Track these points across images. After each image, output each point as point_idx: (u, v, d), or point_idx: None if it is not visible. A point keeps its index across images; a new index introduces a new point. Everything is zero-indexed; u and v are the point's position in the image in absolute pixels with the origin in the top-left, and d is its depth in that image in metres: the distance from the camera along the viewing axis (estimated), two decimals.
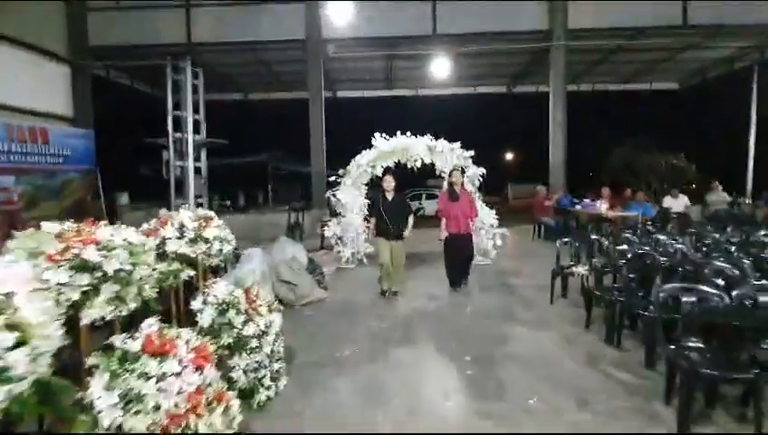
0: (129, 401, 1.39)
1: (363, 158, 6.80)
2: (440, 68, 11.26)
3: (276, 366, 2.80)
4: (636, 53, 12.21)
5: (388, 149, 6.80)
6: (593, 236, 5.20)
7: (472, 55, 11.93)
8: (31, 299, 1.31)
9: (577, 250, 5.13)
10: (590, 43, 10.66)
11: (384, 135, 6.85)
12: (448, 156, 6.88)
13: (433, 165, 7.19)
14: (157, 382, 1.44)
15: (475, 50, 11.31)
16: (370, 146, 6.88)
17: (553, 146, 10.81)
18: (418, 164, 6.97)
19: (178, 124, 11.96)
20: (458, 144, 6.86)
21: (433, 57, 11.18)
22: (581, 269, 4.71)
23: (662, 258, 3.91)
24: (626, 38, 10.73)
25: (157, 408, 1.42)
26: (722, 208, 10.30)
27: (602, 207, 8.32)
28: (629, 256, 4.24)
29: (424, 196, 20.43)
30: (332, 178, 7.14)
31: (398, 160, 7.06)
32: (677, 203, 10.10)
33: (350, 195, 6.74)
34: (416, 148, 6.84)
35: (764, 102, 12.79)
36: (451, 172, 5.50)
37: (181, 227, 2.98)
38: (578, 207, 9.08)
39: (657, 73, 14.27)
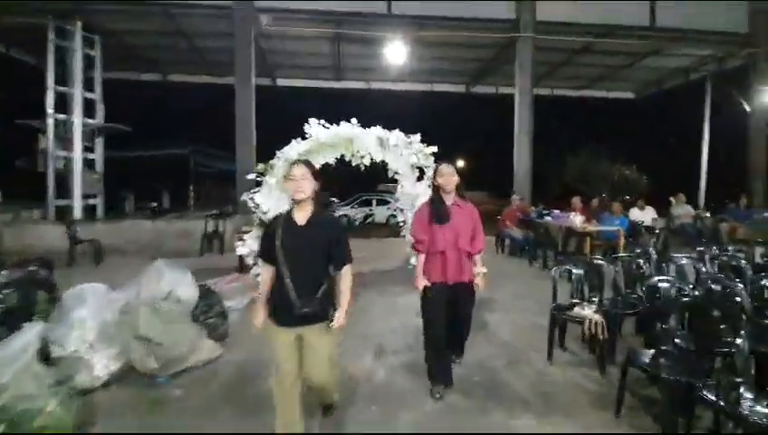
0: None
1: (292, 149, 5.06)
2: (395, 54, 9.78)
3: None
4: (599, 56, 11.57)
5: (326, 139, 5.13)
6: (599, 262, 3.86)
7: (430, 44, 10.60)
8: None
9: (580, 282, 3.76)
10: (559, 38, 9.72)
11: (323, 123, 5.19)
12: (404, 152, 5.34)
13: (385, 165, 5.64)
14: None
15: (435, 37, 9.97)
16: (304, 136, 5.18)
17: (519, 151, 9.72)
18: (366, 161, 5.37)
19: (64, 103, 9.45)
20: (418, 137, 5.35)
21: (387, 42, 9.66)
22: (590, 312, 3.33)
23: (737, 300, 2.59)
24: (595, 36, 9.93)
25: None
26: (687, 222, 9.77)
27: (576, 219, 7.22)
28: (672, 294, 2.92)
29: (374, 202, 18.95)
30: (252, 176, 5.30)
31: (342, 156, 5.42)
32: (646, 215, 9.40)
33: (274, 199, 4.96)
34: (363, 140, 5.24)
35: (717, 115, 12.76)
36: (438, 168, 2.86)
37: None
38: (548, 218, 7.96)
39: (615, 81, 13.89)
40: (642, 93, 14.78)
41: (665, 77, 13.47)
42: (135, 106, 15.13)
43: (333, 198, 25.98)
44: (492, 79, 13.32)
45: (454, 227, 2.76)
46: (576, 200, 8.12)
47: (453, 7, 9.31)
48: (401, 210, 6.43)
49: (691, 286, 3.24)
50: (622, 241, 6.85)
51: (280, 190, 5.03)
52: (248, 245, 5.15)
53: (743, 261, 4.04)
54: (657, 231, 7.99)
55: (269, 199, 4.95)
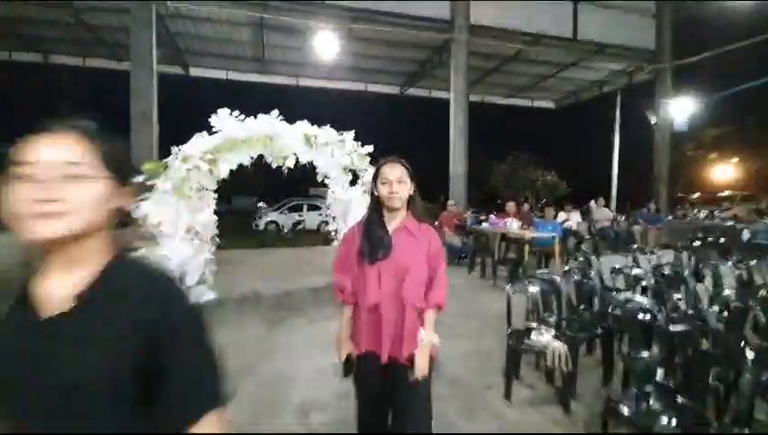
0: None
1: (195, 146, 4.07)
2: (325, 46, 9.01)
3: None
4: (526, 65, 11.89)
5: (240, 134, 4.21)
6: (555, 277, 3.47)
7: (364, 40, 10.01)
8: None
9: (536, 301, 3.32)
10: (493, 43, 9.68)
11: (236, 115, 4.27)
12: (335, 152, 4.61)
13: (313, 167, 4.87)
14: None
15: (368, 32, 9.41)
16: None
17: (454, 155, 9.48)
18: (290, 163, 4.55)
19: None
20: (351, 135, 4.66)
21: (316, 33, 8.86)
22: (549, 338, 2.89)
23: None
24: (525, 43, 10.07)
25: None
26: (606, 226, 10.29)
27: (513, 225, 7.07)
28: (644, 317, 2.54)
29: (305, 207, 17.92)
30: (139, 179, 4.19)
31: (260, 156, 4.53)
32: (572, 220, 9.68)
33: (167, 207, 3.91)
34: (286, 137, 4.41)
35: (627, 126, 13.85)
36: (380, 170, 1.71)
37: None
38: (485, 225, 7.74)
39: (539, 91, 14.52)
40: (561, 104, 15.68)
41: (582, 89, 14.37)
42: (10, 91, 12.51)
43: (260, 204, 24.35)
44: (426, 82, 13.11)
45: (398, 266, 1.64)
46: (511, 205, 8.02)
47: (388, 3, 8.81)
48: (333, 218, 5.70)
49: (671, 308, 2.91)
50: (558, 247, 6.81)
51: (178, 197, 4.01)
52: None
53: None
54: (588, 236, 8.14)
55: (161, 208, 3.89)
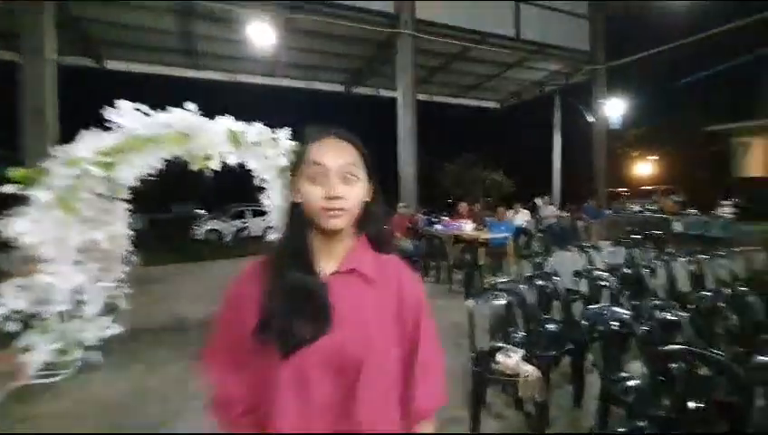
0: None
1: (83, 147, 3.26)
2: (261, 38, 8.25)
3: None
4: (472, 64, 11.86)
5: (145, 132, 3.46)
6: (522, 287, 3.11)
7: (305, 33, 9.37)
8: None
9: (502, 316, 2.95)
10: (439, 40, 9.44)
11: (140, 108, 3.51)
12: (269, 153, 3.99)
13: (246, 170, 4.21)
14: None
15: (309, 24, 8.78)
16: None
17: (403, 154, 9.11)
18: (215, 165, 3.85)
19: None
20: (286, 132, 4.06)
21: (252, 22, 8.09)
22: (517, 360, 2.51)
23: None
24: (471, 41, 9.96)
25: None
26: (552, 223, 10.47)
27: (467, 227, 6.82)
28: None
29: (250, 213, 16.83)
30: (10, 189, 3.28)
31: (178, 157, 3.80)
32: (521, 218, 9.71)
33: (49, 224, 3.08)
34: (207, 134, 3.72)
35: (567, 125, 14.37)
36: (306, 148, 0.84)
37: None
38: (438, 227, 7.44)
39: (484, 90, 14.66)
40: (505, 104, 15.99)
41: (524, 89, 14.71)
42: None
43: (200, 210, 22.59)
44: (373, 80, 12.69)
45: (343, 354, 0.80)
46: (464, 206, 7.81)
47: None
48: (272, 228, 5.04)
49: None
50: (511, 247, 6.65)
51: (64, 210, 3.19)
52: (7, 298, 3.15)
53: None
54: (541, 234, 8.13)
55: (38, 227, 3.04)
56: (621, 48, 11.49)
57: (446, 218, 7.95)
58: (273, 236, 5.79)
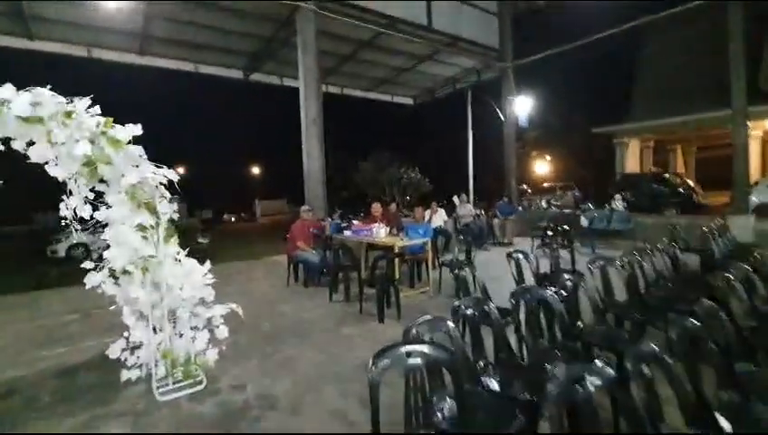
0: None
1: None
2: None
3: None
4: (383, 55, 11.07)
5: None
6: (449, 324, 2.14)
7: (188, 6, 7.64)
8: None
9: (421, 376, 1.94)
10: (344, 20, 8.37)
11: None
12: (61, 134, 2.52)
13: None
14: None
15: None
16: None
17: (308, 148, 7.90)
18: None
19: None
20: (86, 102, 2.61)
21: None
22: None
23: None
24: (380, 25, 9.09)
25: None
26: (470, 222, 10.11)
27: (380, 232, 5.86)
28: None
29: None
30: None
31: None
32: (438, 218, 9.14)
33: None
34: None
35: (481, 123, 14.36)
36: None
37: None
38: (347, 233, 6.37)
39: (397, 85, 14.04)
40: (419, 100, 15.60)
41: (437, 85, 14.40)
42: None
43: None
44: (275, 67, 11.22)
45: None
46: (376, 207, 6.85)
47: None
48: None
49: None
50: (430, 254, 5.86)
51: None
52: None
53: None
54: (458, 234, 7.50)
55: None
56: (524, 49, 11.63)
57: (356, 223, 6.93)
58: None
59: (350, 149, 17.59)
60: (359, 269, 5.82)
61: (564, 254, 8.48)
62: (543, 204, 12.79)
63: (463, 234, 9.75)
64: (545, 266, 4.92)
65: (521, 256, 4.36)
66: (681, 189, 14.22)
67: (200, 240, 11.31)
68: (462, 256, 6.04)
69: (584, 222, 9.72)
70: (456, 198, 10.94)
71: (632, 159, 20.38)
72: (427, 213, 8.87)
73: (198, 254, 9.07)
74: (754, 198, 12.19)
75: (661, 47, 19.86)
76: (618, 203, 10.63)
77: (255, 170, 42.30)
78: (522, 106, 12.09)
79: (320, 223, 6.87)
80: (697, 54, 17.61)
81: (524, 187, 22.75)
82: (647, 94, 19.95)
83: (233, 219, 32.85)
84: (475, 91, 14.06)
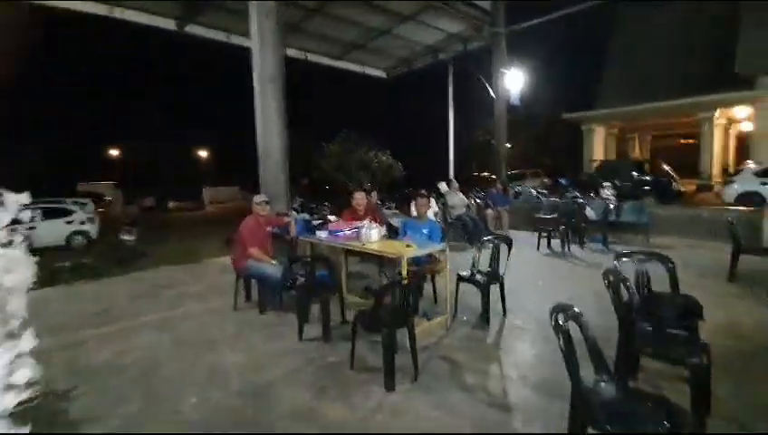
0: None
1: None
2: None
3: None
4: (359, 10, 9.06)
5: None
6: None
7: None
8: None
9: None
10: None
11: None
12: None
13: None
14: None
15: None
16: None
17: (263, 120, 5.85)
18: None
19: None
20: None
21: None
22: None
23: None
24: None
25: None
26: (462, 214, 8.53)
27: (372, 233, 4.05)
28: None
29: (36, 214, 11.32)
30: None
31: None
32: (458, 200, 7.51)
33: None
34: None
35: (464, 99, 12.74)
36: None
37: None
38: (322, 235, 4.49)
39: (370, 53, 12.06)
40: (394, 73, 13.71)
41: (415, 55, 12.57)
42: None
43: None
44: (217, 18, 8.88)
45: None
46: (361, 197, 5.01)
47: None
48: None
49: None
50: (442, 265, 4.16)
51: None
52: None
53: None
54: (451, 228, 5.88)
55: None
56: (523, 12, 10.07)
57: (333, 219, 5.06)
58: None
59: (314, 128, 15.40)
60: (340, 289, 4.01)
61: (580, 252, 7.28)
62: (533, 192, 11.53)
63: (454, 228, 8.20)
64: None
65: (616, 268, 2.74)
66: (661, 177, 13.63)
67: (124, 237, 8.90)
68: (478, 261, 4.35)
69: (591, 214, 8.44)
70: (442, 185, 9.31)
71: (599, 146, 20.06)
72: (449, 195, 7.20)
73: (122, 254, 6.50)
74: (737, 187, 11.69)
75: (636, 32, 19.44)
76: (607, 191, 9.47)
77: (203, 153, 38.54)
78: (514, 81, 10.59)
79: (281, 219, 4.93)
80: (669, 41, 17.30)
81: (483, 173, 21.73)
82: (620, 79, 19.51)
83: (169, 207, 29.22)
84: (458, 64, 12.41)
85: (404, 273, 3.30)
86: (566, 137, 22.44)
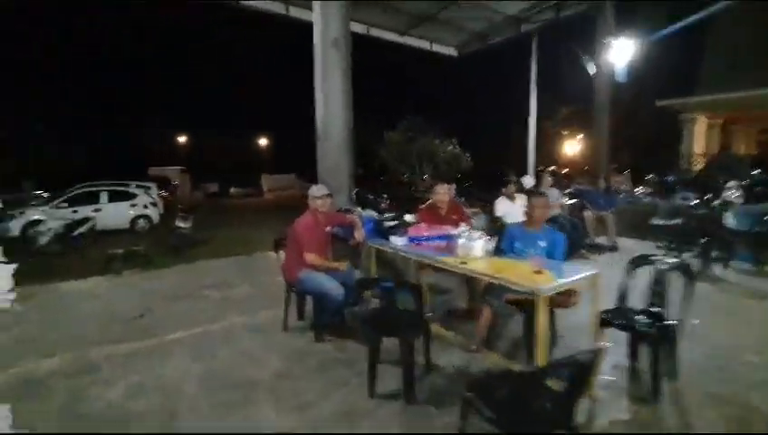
0: None
1: None
2: None
3: None
4: None
5: None
6: None
7: None
8: None
9: None
10: None
11: None
12: None
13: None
14: None
15: None
16: None
17: (325, 91, 4.81)
18: None
19: None
20: None
21: None
22: None
23: None
24: None
25: None
26: (557, 213, 6.98)
27: (476, 245, 2.84)
28: None
29: (105, 196, 11.53)
30: None
31: None
32: (517, 208, 6.14)
33: None
34: None
35: (549, 78, 10.96)
36: None
37: None
38: (398, 241, 3.34)
39: (439, 26, 10.62)
40: (466, 50, 12.15)
41: (493, 28, 10.93)
42: None
43: (39, 192, 15.97)
44: None
45: None
46: (443, 191, 3.80)
47: None
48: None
49: None
50: (577, 296, 2.83)
51: None
52: None
53: None
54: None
55: None
56: None
57: (410, 219, 3.89)
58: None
59: (373, 113, 14.31)
60: (425, 327, 2.84)
61: (723, 272, 5.55)
62: (640, 191, 9.58)
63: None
64: None
65: None
66: None
67: (179, 224, 8.53)
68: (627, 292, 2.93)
69: (732, 222, 6.51)
70: (527, 179, 7.80)
71: (699, 138, 17.06)
72: (503, 202, 5.89)
73: (176, 242, 5.85)
74: None
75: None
76: (733, 193, 7.36)
77: (263, 141, 39.34)
78: (621, 53, 8.69)
79: (344, 217, 3.86)
80: None
81: (554, 168, 19.43)
82: (726, 62, 16.25)
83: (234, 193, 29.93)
84: (544, 35, 10.61)
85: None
86: (653, 127, 19.46)
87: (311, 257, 3.28)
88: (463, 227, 3.02)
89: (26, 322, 3.91)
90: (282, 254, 3.65)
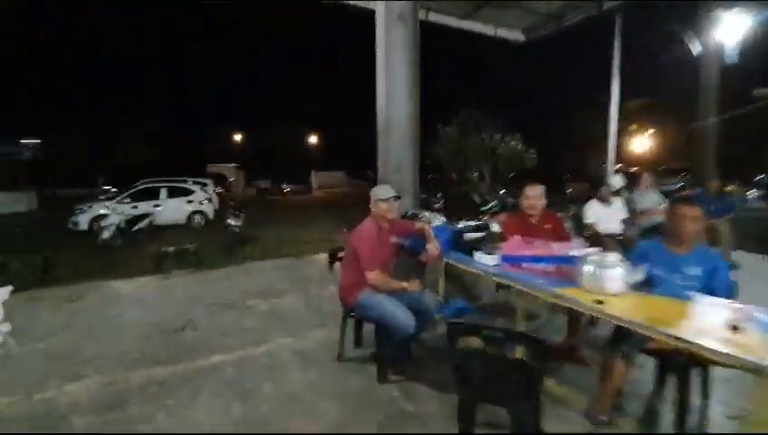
0: None
1: None
2: None
3: None
4: None
5: None
6: None
7: None
8: None
9: None
10: None
11: None
12: None
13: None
14: None
15: None
16: None
17: (390, 76, 4.12)
18: None
19: None
20: None
21: None
22: None
23: None
24: None
25: None
26: (656, 220, 5.81)
27: (610, 274, 2.03)
28: None
29: (164, 192, 11.75)
30: None
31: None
32: (614, 213, 5.17)
33: None
34: None
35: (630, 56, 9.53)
36: None
37: None
38: (489, 263, 2.59)
39: (505, 8, 9.51)
40: (535, 35, 10.92)
41: (568, 8, 9.64)
42: None
43: (108, 187, 16.87)
44: None
45: None
46: (535, 196, 3.00)
47: None
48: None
49: None
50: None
51: None
52: None
53: None
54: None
55: None
56: None
57: (496, 229, 3.10)
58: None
59: (429, 106, 13.48)
60: (536, 388, 2.03)
61: None
62: (753, 194, 8.00)
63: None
64: None
65: None
66: None
67: (230, 222, 8.34)
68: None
69: None
70: (616, 179, 6.61)
71: None
72: (593, 206, 4.94)
73: (226, 240, 5.49)
74: None
75: None
76: None
77: (313, 139, 39.75)
78: (732, 30, 7.22)
79: (412, 224, 3.13)
80: None
81: (620, 166, 17.42)
82: None
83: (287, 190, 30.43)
84: (628, 12, 9.19)
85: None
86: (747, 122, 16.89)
87: (372, 276, 2.61)
88: (586, 246, 2.19)
89: (66, 329, 3.63)
90: (337, 267, 3.04)
